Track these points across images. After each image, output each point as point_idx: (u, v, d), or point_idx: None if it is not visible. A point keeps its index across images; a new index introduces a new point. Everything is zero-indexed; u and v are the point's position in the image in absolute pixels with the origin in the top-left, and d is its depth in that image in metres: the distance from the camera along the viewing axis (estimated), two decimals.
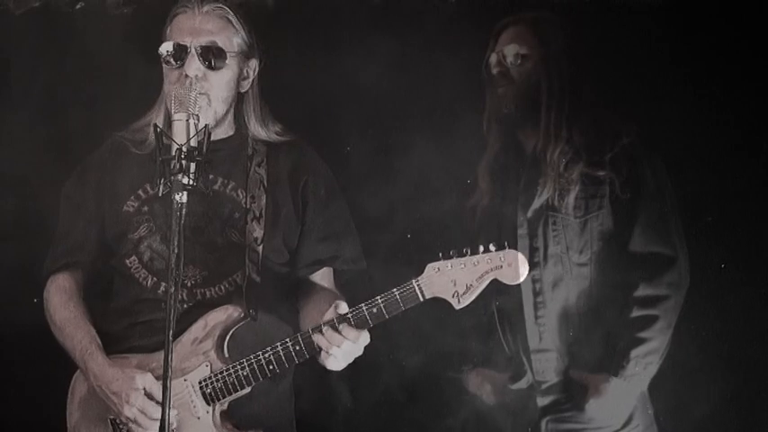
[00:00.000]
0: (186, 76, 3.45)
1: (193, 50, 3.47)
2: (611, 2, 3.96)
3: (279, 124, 3.67)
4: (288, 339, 3.35)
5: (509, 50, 3.88)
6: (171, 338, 3.00)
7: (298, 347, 3.34)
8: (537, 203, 3.83)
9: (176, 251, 3.05)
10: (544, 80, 3.83)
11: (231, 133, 3.65)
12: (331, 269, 3.64)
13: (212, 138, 3.51)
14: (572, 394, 3.79)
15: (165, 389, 2.99)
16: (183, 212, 3.08)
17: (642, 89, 3.87)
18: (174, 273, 3.04)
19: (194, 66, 3.47)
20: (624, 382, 3.71)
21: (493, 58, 3.90)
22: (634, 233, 3.75)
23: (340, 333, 3.27)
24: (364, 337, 3.31)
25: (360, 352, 3.33)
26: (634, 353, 3.70)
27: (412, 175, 3.97)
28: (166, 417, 3.00)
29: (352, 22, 4.17)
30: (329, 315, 3.31)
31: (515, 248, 3.65)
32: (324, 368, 3.35)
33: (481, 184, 3.96)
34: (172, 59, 3.50)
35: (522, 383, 3.85)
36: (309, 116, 3.81)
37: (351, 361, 3.33)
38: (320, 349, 3.31)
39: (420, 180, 3.96)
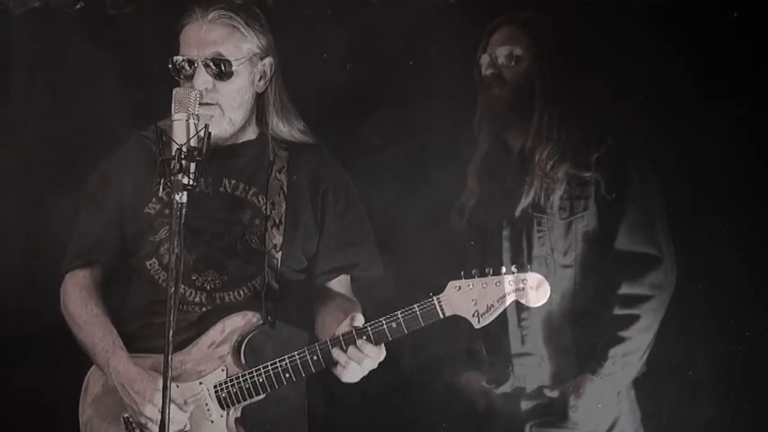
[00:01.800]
0: (186, 87, 3.41)
1: (200, 63, 3.46)
2: (605, 1, 3.96)
3: (302, 122, 3.67)
4: (305, 349, 3.35)
5: (501, 51, 3.87)
6: (171, 339, 2.99)
7: (315, 357, 3.33)
8: (524, 203, 3.82)
9: (176, 251, 3.04)
10: (537, 81, 3.83)
11: (254, 137, 3.63)
12: (348, 276, 3.64)
13: (234, 142, 3.58)
14: (555, 399, 3.78)
15: (164, 388, 2.99)
16: (183, 212, 3.07)
17: (632, 89, 3.87)
18: (173, 273, 3.03)
19: (201, 79, 3.45)
20: (602, 381, 3.69)
21: (485, 59, 3.89)
22: (619, 234, 3.74)
23: (361, 351, 3.28)
24: (382, 353, 3.32)
25: (375, 366, 3.34)
26: (612, 352, 3.68)
27: (405, 172, 3.97)
28: (166, 417, 3.01)
29: (351, 22, 4.17)
30: (345, 327, 3.32)
31: (500, 251, 3.69)
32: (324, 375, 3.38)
33: (469, 184, 3.96)
34: (181, 73, 3.49)
35: (506, 387, 3.84)
36: (308, 116, 3.81)
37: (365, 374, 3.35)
38: (336, 362, 3.31)
39: (412, 178, 3.97)
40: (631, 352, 3.70)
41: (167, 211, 3.54)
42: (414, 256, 3.73)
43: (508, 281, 3.25)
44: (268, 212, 3.53)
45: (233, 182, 3.57)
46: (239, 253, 3.51)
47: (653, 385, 3.78)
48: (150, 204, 3.57)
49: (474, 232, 3.92)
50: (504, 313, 3.75)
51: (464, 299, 3.26)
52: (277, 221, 3.53)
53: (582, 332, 3.77)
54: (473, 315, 3.27)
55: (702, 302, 3.80)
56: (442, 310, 3.28)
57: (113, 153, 3.71)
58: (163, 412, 3.00)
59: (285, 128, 3.63)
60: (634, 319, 3.69)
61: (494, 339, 3.85)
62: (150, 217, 3.56)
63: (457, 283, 3.28)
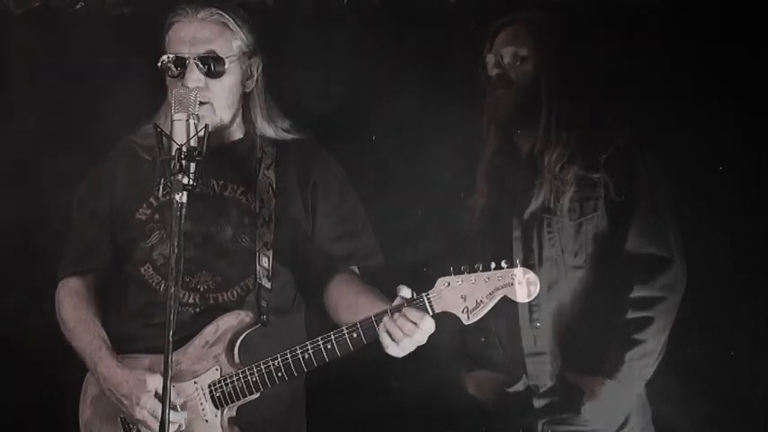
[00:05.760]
0: (187, 87, 3.42)
1: (192, 61, 3.46)
2: (609, 1, 3.97)
3: (287, 120, 3.65)
4: (297, 347, 3.34)
5: (506, 51, 3.86)
6: (171, 339, 2.99)
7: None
8: (534, 206, 3.81)
9: (176, 251, 3.04)
10: (543, 81, 3.82)
11: (240, 136, 3.62)
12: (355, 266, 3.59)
13: (222, 142, 3.56)
14: (568, 397, 3.78)
15: (165, 389, 2.99)
16: (183, 212, 3.07)
17: (639, 89, 3.87)
18: (174, 273, 3.03)
19: (194, 77, 3.45)
20: (619, 385, 3.69)
21: (490, 60, 3.88)
22: (629, 235, 3.73)
23: (409, 319, 3.19)
24: (428, 322, 3.23)
25: (423, 340, 3.24)
26: (628, 355, 3.67)
27: (411, 175, 3.97)
28: (166, 417, 3.01)
29: (351, 22, 4.17)
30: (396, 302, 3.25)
31: (510, 252, 3.68)
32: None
33: (479, 185, 3.96)
34: (171, 70, 3.48)
35: (519, 386, 3.85)
36: (308, 116, 3.81)
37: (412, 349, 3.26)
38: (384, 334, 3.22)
39: (419, 181, 3.97)
40: (647, 354, 3.68)
41: (158, 216, 3.55)
42: (423, 259, 3.72)
43: (497, 276, 3.21)
44: (257, 210, 3.52)
45: (221, 182, 3.55)
46: (231, 253, 3.50)
47: (662, 385, 3.77)
48: (141, 210, 3.57)
49: (484, 233, 3.91)
50: (516, 313, 3.79)
51: (453, 295, 3.22)
52: (267, 219, 3.51)
53: (594, 332, 3.76)
54: (462, 311, 3.22)
55: (706, 304, 3.79)
56: (431, 306, 3.24)
57: (103, 158, 3.70)
58: (163, 412, 3.00)
59: (270, 128, 3.62)
60: (648, 321, 3.68)
61: (507, 338, 3.85)
62: (141, 223, 3.56)
63: (446, 279, 3.24)
